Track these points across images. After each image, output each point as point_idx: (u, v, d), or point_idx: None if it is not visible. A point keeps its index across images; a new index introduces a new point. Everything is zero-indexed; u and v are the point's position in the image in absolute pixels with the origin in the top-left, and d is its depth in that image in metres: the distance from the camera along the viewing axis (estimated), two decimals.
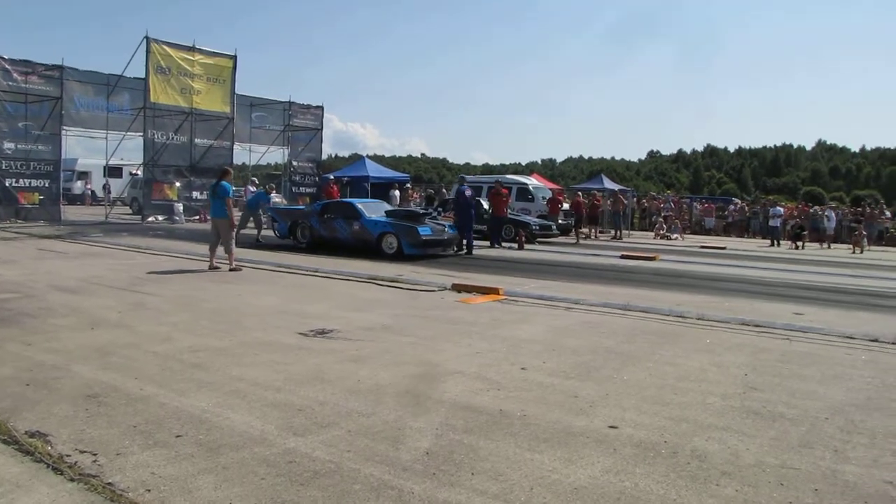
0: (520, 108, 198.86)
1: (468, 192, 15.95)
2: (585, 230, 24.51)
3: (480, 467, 3.49)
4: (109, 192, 28.09)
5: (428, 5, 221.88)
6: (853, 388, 5.21)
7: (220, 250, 11.49)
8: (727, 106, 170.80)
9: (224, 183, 11.54)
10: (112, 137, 23.24)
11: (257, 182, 23.56)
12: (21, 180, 20.24)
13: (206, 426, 3.96)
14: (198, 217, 23.36)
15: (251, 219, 17.54)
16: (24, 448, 3.53)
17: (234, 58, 24.80)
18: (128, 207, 29.03)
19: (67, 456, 3.46)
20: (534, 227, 19.92)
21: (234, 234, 11.71)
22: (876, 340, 7.03)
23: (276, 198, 21.23)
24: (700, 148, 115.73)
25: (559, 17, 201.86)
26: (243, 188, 25.05)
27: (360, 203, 15.79)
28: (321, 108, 30.10)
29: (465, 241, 15.54)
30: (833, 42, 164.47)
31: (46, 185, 20.91)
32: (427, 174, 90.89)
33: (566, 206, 24.15)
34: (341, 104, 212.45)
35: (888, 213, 28.90)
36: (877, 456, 3.82)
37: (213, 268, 11.23)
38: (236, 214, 13.54)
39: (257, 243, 16.38)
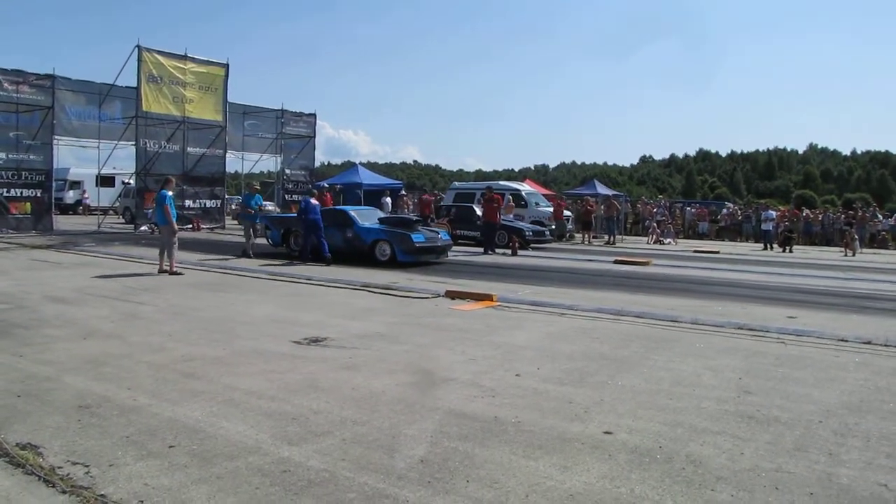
0: (513, 115, 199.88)
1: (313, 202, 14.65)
2: (579, 235, 24.65)
3: (475, 475, 3.48)
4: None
5: (424, 18, 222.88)
6: (847, 391, 5.22)
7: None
8: (719, 110, 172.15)
9: (163, 191, 12.05)
10: (104, 146, 23.29)
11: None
12: (12, 190, 20.15)
13: (199, 436, 3.93)
14: (191, 226, 23.27)
15: (251, 227, 17.41)
16: (15, 460, 3.50)
17: (226, 66, 24.84)
18: (120, 216, 28.92)
19: (59, 468, 3.43)
20: (527, 233, 19.92)
21: (175, 239, 11.90)
22: (869, 343, 7.05)
23: (268, 206, 21.14)
24: (692, 152, 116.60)
25: (553, 28, 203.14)
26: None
27: (353, 210, 15.78)
28: (314, 115, 30.16)
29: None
30: (824, 53, 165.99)
31: (38, 194, 20.80)
32: (420, 181, 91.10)
33: (567, 213, 24.38)
34: (334, 111, 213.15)
35: (880, 216, 29.04)
36: (871, 458, 3.83)
37: (161, 271, 11.63)
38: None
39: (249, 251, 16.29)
